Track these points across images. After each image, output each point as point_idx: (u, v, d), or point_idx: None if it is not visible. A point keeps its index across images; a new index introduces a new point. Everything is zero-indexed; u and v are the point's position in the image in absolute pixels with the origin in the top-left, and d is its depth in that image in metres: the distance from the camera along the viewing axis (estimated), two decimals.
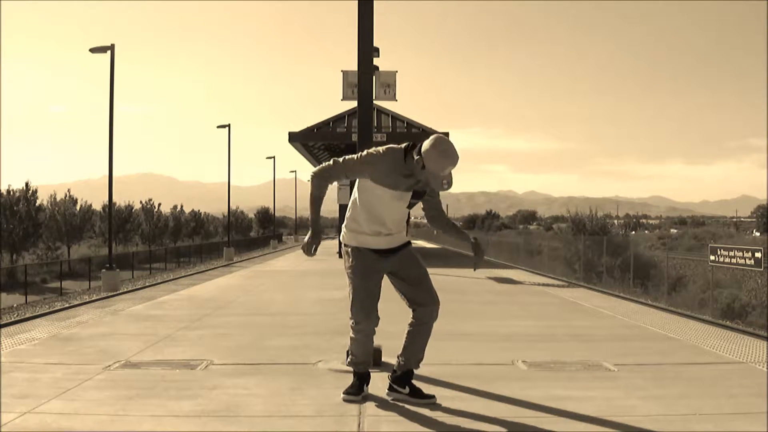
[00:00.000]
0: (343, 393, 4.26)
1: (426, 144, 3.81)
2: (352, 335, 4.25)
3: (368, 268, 4.14)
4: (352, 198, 4.23)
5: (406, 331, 4.24)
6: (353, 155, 4.10)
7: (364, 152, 4.06)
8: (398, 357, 4.28)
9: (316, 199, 4.18)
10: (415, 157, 3.85)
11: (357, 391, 4.26)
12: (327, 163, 4.14)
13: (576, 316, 8.63)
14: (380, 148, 4.00)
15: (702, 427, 3.72)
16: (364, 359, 4.32)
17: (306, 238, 4.14)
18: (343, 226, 4.27)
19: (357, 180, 4.12)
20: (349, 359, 4.49)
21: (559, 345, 6.33)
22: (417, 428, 3.72)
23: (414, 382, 4.59)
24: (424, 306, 4.17)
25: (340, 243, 4.29)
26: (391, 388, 4.26)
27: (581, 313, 8.88)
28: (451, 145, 3.79)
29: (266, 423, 3.79)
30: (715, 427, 3.72)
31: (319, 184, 4.14)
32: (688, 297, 19.66)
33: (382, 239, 4.16)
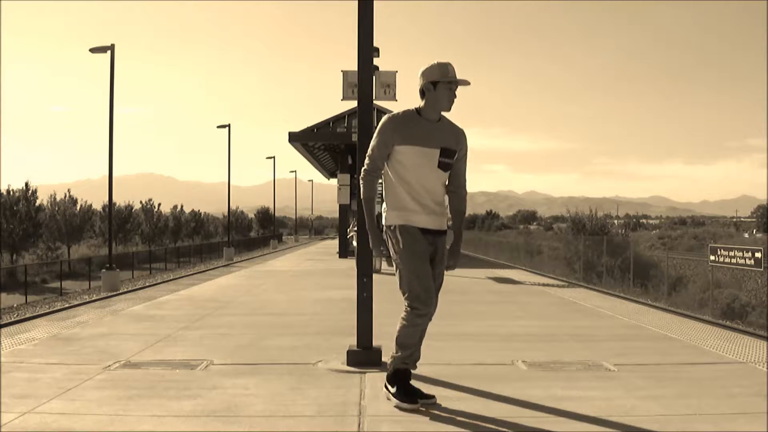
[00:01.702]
0: (399, 401, 4.00)
1: (423, 71, 3.94)
2: (408, 325, 3.96)
3: (421, 247, 3.92)
4: (385, 182, 4.06)
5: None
6: (373, 137, 4.03)
7: (379, 123, 4.01)
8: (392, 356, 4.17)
9: (367, 201, 4.03)
10: (422, 84, 3.91)
11: (413, 394, 4.02)
12: (364, 164, 4.04)
13: (576, 316, 8.63)
14: (387, 115, 3.99)
15: (702, 427, 3.72)
16: (416, 355, 4.06)
17: (371, 241, 4.00)
18: (383, 210, 4.08)
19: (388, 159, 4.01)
20: (397, 356, 4.05)
21: (559, 345, 6.33)
22: (417, 428, 3.72)
23: (419, 383, 4.58)
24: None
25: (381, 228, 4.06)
26: (386, 386, 4.20)
27: (581, 313, 8.88)
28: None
29: (266, 423, 3.79)
30: (715, 427, 3.72)
31: (366, 185, 4.02)
32: (688, 297, 19.66)
33: (429, 217, 3.99)
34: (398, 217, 3.95)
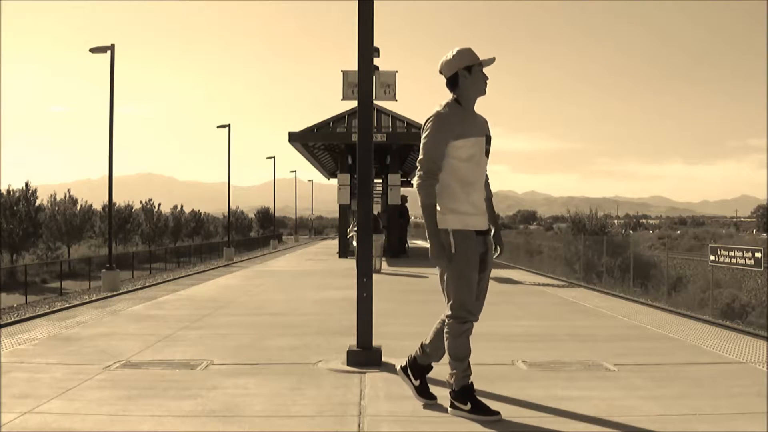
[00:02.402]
0: (481, 417, 3.76)
1: (450, 60, 3.82)
2: (456, 337, 3.77)
3: (474, 255, 3.76)
4: (441, 182, 3.82)
5: (436, 326, 3.98)
6: (422, 137, 3.83)
7: (428, 123, 3.82)
8: (421, 345, 4.05)
9: (429, 207, 3.74)
10: (453, 73, 3.79)
11: (486, 408, 3.80)
12: (419, 169, 3.79)
13: (576, 316, 8.63)
14: (433, 112, 3.83)
15: (702, 427, 3.72)
16: (469, 363, 3.85)
17: (433, 252, 3.71)
18: (438, 211, 3.81)
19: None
20: (455, 372, 3.83)
21: (559, 345, 6.33)
22: (417, 428, 3.72)
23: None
24: None
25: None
26: (404, 370, 4.10)
27: (581, 313, 8.88)
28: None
29: (266, 423, 3.79)
30: (715, 427, 3.72)
31: (427, 191, 3.73)
32: (688, 297, 19.65)
33: (482, 218, 3.85)
34: (454, 220, 3.75)
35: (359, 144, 5.64)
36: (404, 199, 24.18)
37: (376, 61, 12.61)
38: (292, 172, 62.09)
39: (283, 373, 5.00)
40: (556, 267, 26.94)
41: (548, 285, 13.77)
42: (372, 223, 5.87)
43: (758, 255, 15.98)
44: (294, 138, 22.00)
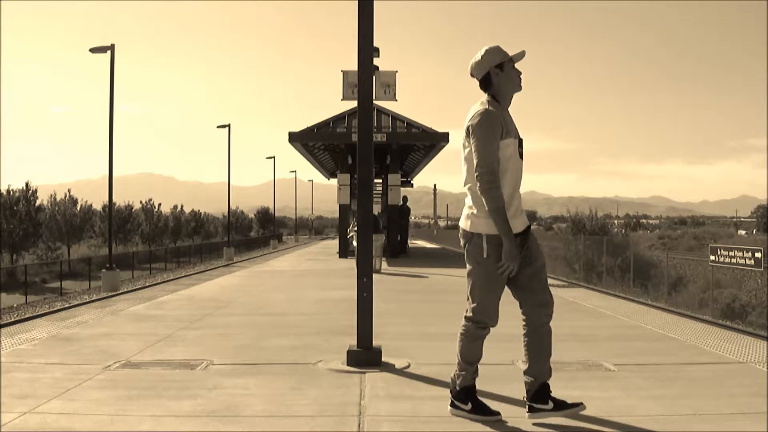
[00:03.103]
0: (480, 416, 3.77)
1: (479, 61, 3.70)
2: (471, 340, 3.77)
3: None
4: (470, 181, 3.67)
5: (525, 342, 3.83)
6: (475, 138, 3.59)
7: (475, 122, 3.60)
8: (525, 375, 3.83)
9: (500, 210, 3.54)
10: (485, 73, 3.67)
11: (487, 408, 3.82)
12: (481, 172, 3.55)
13: (576, 316, 8.63)
14: (479, 110, 3.62)
15: (702, 427, 3.72)
16: (477, 367, 3.86)
17: (507, 254, 3.56)
18: (469, 214, 3.71)
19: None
20: (462, 374, 3.83)
21: (559, 345, 6.29)
22: (417, 428, 3.72)
23: (419, 383, 4.58)
24: (540, 305, 3.82)
25: (466, 234, 3.69)
26: (531, 410, 3.77)
27: (581, 313, 8.88)
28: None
29: (266, 423, 3.79)
30: (715, 427, 3.72)
31: (495, 194, 3.54)
32: (688, 297, 19.65)
33: (521, 219, 3.71)
34: (490, 225, 3.59)
35: (359, 144, 5.64)
36: (405, 199, 24.18)
37: (376, 61, 12.62)
38: (292, 172, 62.10)
39: (283, 373, 5.00)
40: (556, 267, 26.94)
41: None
42: (372, 223, 5.88)
43: (758, 255, 15.98)
44: (294, 138, 22.00)
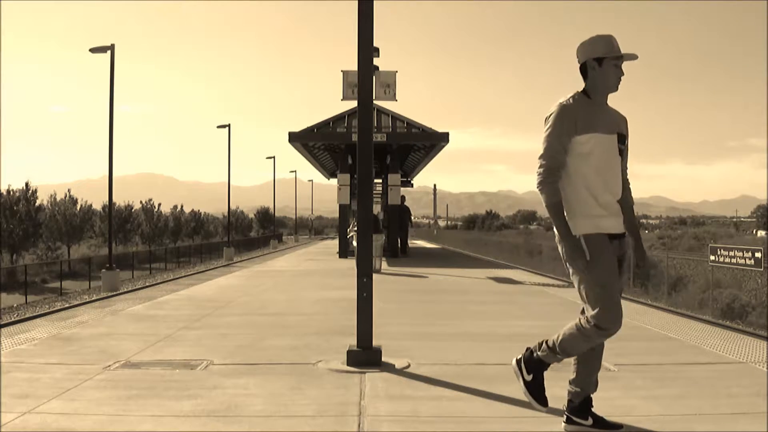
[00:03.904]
0: (529, 393, 3.65)
1: (581, 47, 3.50)
2: (583, 338, 3.47)
3: (611, 257, 3.42)
4: (563, 181, 3.48)
5: (574, 358, 3.66)
6: (544, 131, 3.46)
7: (547, 116, 3.48)
8: (570, 384, 3.68)
9: (556, 206, 3.41)
10: (583, 61, 3.46)
11: (542, 393, 3.64)
12: (538, 165, 3.45)
13: (576, 316, 8.62)
14: (557, 104, 3.48)
15: (702, 427, 3.72)
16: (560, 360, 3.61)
17: (567, 256, 3.44)
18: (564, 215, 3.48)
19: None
20: (551, 354, 3.61)
21: None
22: (417, 428, 3.72)
23: (419, 383, 4.58)
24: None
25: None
26: (569, 421, 3.67)
27: None
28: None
29: (266, 423, 3.79)
30: (715, 427, 3.72)
31: (550, 188, 3.40)
32: (688, 297, 19.65)
33: (615, 220, 3.50)
34: (584, 224, 3.43)
35: (359, 144, 5.64)
36: (403, 198, 24.19)
37: (376, 61, 12.62)
38: (292, 172, 62.10)
39: (283, 373, 5.00)
40: (556, 267, 26.95)
41: (548, 285, 13.76)
42: (372, 223, 5.88)
43: (758, 255, 15.98)
44: (294, 138, 22.00)
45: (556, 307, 9.51)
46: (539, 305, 9.80)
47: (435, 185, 50.18)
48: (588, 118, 3.41)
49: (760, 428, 3.67)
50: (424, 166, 30.06)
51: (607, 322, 3.38)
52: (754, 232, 72.01)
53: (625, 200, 3.63)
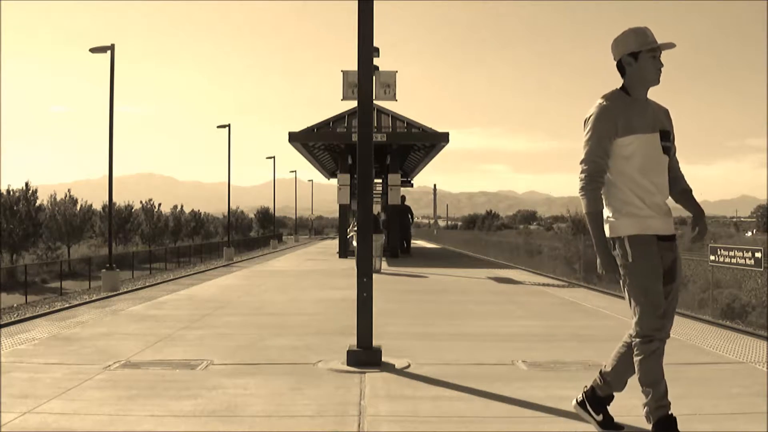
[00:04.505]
0: None
1: (614, 43, 3.37)
2: (645, 357, 3.28)
3: (656, 260, 3.26)
4: (606, 184, 3.35)
5: (618, 350, 3.48)
6: (584, 135, 3.34)
7: (586, 117, 3.35)
8: (601, 374, 3.53)
9: (596, 215, 3.29)
10: (618, 58, 3.33)
11: None
12: (580, 170, 3.31)
13: (576, 316, 8.63)
14: (595, 105, 3.35)
15: (702, 427, 3.72)
16: (664, 391, 3.36)
17: (601, 263, 3.32)
18: (606, 218, 3.35)
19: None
20: (650, 401, 3.35)
21: (559, 345, 6.33)
22: (417, 428, 3.72)
23: (419, 383, 4.58)
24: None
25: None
26: (581, 404, 3.57)
27: (581, 313, 8.88)
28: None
29: (266, 423, 3.79)
30: (715, 427, 3.72)
31: (592, 195, 3.27)
32: (688, 297, 19.65)
33: (664, 221, 3.34)
34: (629, 225, 3.27)
35: (359, 144, 5.64)
36: (404, 198, 24.20)
37: (376, 61, 12.62)
38: (292, 172, 62.12)
39: (283, 373, 5.00)
40: (556, 267, 26.95)
41: (548, 285, 13.77)
42: (372, 223, 5.88)
43: (758, 255, 15.98)
44: (294, 138, 22.00)
45: (556, 307, 9.51)
46: (539, 305, 9.80)
47: (435, 185, 50.22)
48: (629, 118, 3.28)
49: (760, 428, 3.67)
50: (424, 166, 30.06)
51: (648, 328, 3.25)
52: (748, 233, 72.25)
53: (684, 185, 3.54)
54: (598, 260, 3.32)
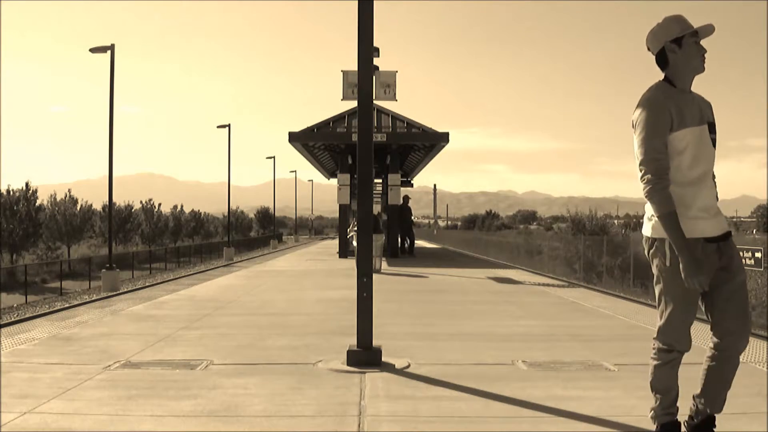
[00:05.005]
0: None
1: (654, 32, 3.20)
2: (661, 364, 3.19)
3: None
4: None
5: (705, 366, 3.23)
6: (636, 134, 3.12)
7: (636, 115, 3.13)
8: (695, 399, 3.25)
9: (671, 216, 3.00)
10: (660, 48, 3.15)
11: None
12: (641, 172, 3.08)
13: (576, 316, 8.63)
14: (642, 100, 3.15)
15: None
16: (674, 399, 3.22)
17: (684, 268, 2.97)
18: (650, 216, 3.19)
19: None
20: (657, 407, 3.24)
21: (559, 345, 6.33)
22: (417, 428, 3.72)
23: (419, 383, 4.57)
24: (731, 333, 3.24)
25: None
26: None
27: (581, 313, 8.88)
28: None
29: (266, 423, 3.79)
30: (716, 427, 3.71)
31: (662, 195, 3.02)
32: None
33: (716, 221, 3.13)
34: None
35: (359, 144, 5.64)
36: (406, 198, 24.20)
37: (376, 61, 12.62)
38: (292, 172, 62.11)
39: (283, 373, 5.00)
40: (556, 267, 26.94)
41: (548, 285, 13.77)
42: (372, 223, 5.88)
43: (758, 255, 15.98)
44: (294, 138, 22.00)
45: (556, 307, 9.51)
46: (539, 305, 9.80)
47: (435, 185, 50.18)
48: (680, 111, 3.07)
49: (760, 428, 3.67)
50: (424, 166, 30.06)
51: (670, 338, 3.14)
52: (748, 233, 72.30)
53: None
54: (681, 267, 2.98)
